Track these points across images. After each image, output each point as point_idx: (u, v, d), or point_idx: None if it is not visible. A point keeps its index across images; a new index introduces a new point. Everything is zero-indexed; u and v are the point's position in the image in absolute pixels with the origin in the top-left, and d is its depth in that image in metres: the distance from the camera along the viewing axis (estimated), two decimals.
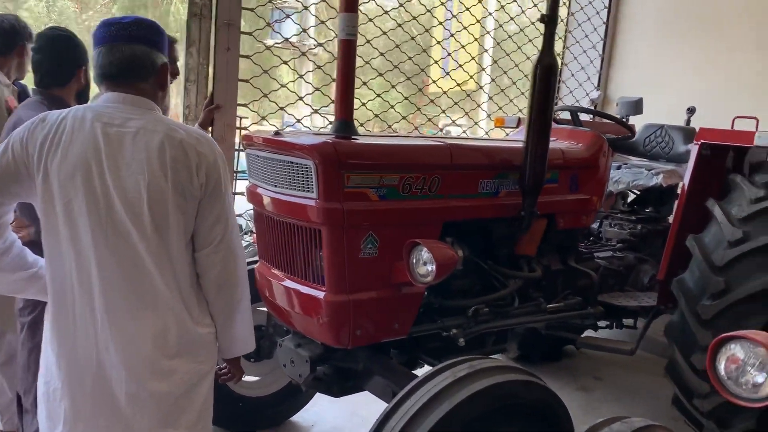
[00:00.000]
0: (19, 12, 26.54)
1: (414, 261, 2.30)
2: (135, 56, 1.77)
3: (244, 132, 2.82)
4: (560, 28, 5.28)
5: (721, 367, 1.49)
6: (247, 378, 3.15)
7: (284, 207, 2.41)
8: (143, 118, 1.75)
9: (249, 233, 6.17)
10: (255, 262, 2.84)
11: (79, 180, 1.69)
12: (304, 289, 2.41)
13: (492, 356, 2.69)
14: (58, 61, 2.47)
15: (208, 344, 1.91)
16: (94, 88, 2.71)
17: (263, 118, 3.76)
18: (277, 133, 2.41)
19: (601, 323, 3.53)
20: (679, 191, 3.57)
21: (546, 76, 2.54)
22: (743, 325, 2.69)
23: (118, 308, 1.73)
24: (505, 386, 2.04)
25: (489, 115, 4.92)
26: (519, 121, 3.93)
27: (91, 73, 2.20)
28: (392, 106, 4.44)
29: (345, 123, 2.37)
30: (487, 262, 2.81)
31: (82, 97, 2.60)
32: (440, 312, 2.69)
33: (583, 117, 3.67)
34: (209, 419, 1.99)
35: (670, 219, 3.86)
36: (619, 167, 3.77)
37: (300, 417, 3.39)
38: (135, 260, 1.73)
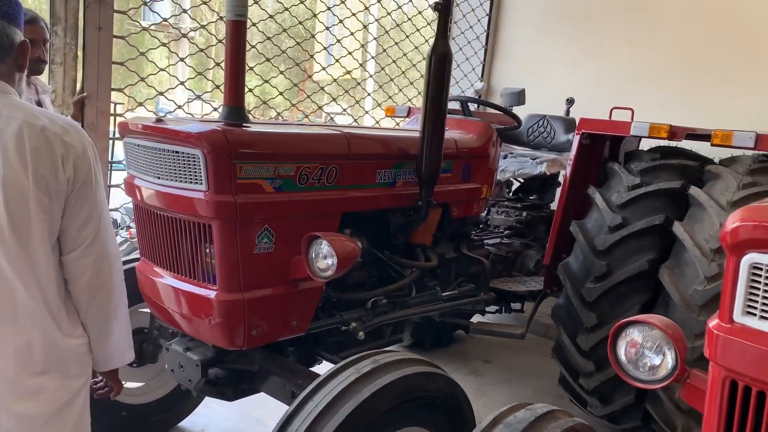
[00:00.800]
0: None
1: (313, 255, 2.20)
2: None
3: (119, 119, 2.57)
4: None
5: (621, 352, 1.53)
6: (129, 384, 2.91)
7: (169, 200, 2.22)
8: None
9: (125, 228, 5.76)
10: (134, 260, 2.62)
11: None
12: (193, 289, 2.24)
13: (390, 347, 2.65)
14: None
15: (79, 357, 1.69)
16: None
17: (140, 104, 3.48)
18: (159, 120, 2.22)
19: (490, 308, 3.62)
20: (561, 179, 3.73)
21: (440, 64, 2.53)
22: (624, 305, 2.85)
23: None
24: (410, 379, 2.01)
25: (380, 104, 4.88)
26: (410, 111, 3.93)
27: None
28: (281, 93, 4.28)
29: (236, 109, 2.22)
30: (384, 252, 2.77)
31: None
32: (338, 306, 2.63)
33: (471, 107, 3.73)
34: None
35: (553, 206, 4.04)
36: (505, 156, 3.87)
37: (189, 421, 3.19)
38: None
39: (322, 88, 5.31)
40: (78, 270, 1.63)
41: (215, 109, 6.24)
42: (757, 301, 1.31)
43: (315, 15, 5.08)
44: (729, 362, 1.35)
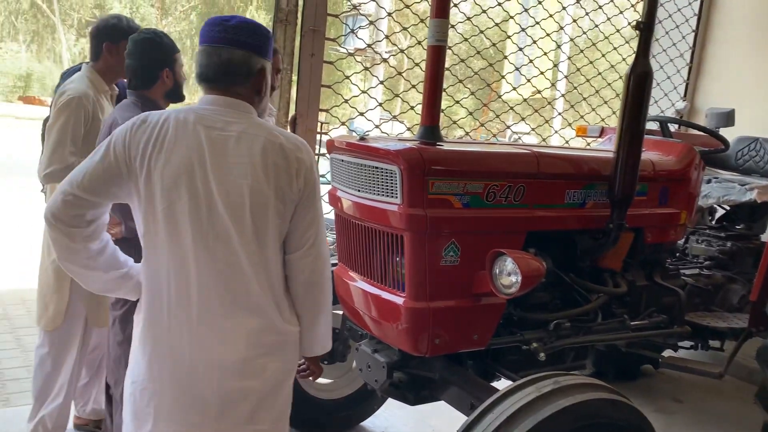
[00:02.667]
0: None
1: (497, 271, 2.25)
2: (232, 61, 1.77)
3: (326, 137, 2.84)
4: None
5: None
6: (320, 380, 3.17)
7: (366, 211, 2.41)
8: (243, 122, 1.78)
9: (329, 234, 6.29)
10: (332, 264, 2.86)
11: (182, 183, 1.71)
12: (384, 295, 2.40)
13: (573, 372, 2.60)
14: (142, 64, 2.52)
15: (294, 343, 1.93)
16: (187, 87, 2.80)
17: (343, 123, 3.79)
18: (362, 139, 2.42)
19: (684, 344, 3.37)
20: None
21: (640, 84, 2.46)
22: None
23: (214, 308, 1.76)
24: (592, 404, 1.97)
25: (570, 124, 4.80)
26: (603, 131, 3.81)
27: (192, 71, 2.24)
28: (470, 113, 4.40)
29: (431, 129, 2.36)
30: (570, 275, 2.73)
31: (172, 96, 2.65)
32: (520, 324, 2.63)
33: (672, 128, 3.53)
34: (288, 417, 2.00)
35: (764, 237, 3.67)
36: (708, 181, 3.61)
37: (371, 422, 3.38)
38: (233, 263, 1.75)
39: (511, 108, 5.34)
40: (299, 267, 1.87)
41: (408, 129, 6.52)
42: None
43: (509, 37, 5.14)
44: None
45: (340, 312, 2.88)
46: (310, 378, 2.23)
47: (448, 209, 2.27)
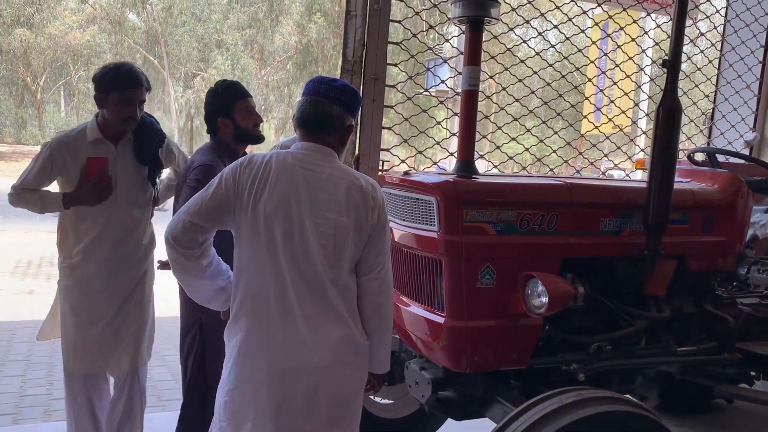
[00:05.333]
0: (209, 70, 30.12)
1: (529, 292, 2.44)
2: (331, 114, 2.15)
3: (379, 173, 3.15)
4: (711, 70, 5.13)
5: None
6: (381, 400, 3.41)
7: (410, 239, 2.67)
8: (331, 166, 2.14)
9: None
10: None
11: (281, 212, 2.08)
12: (428, 315, 2.64)
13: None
14: (206, 114, 3.00)
15: (365, 356, 2.20)
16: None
17: (435, 163, 4.04)
18: (406, 173, 2.70)
19: (761, 380, 3.33)
20: None
21: (669, 117, 2.60)
22: None
23: (308, 323, 2.08)
24: (614, 416, 2.10)
25: (630, 158, 4.88)
26: None
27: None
28: (554, 151, 4.60)
29: (466, 164, 2.61)
30: (613, 300, 2.85)
31: (242, 140, 3.02)
32: (561, 347, 2.77)
33: (734, 160, 3.58)
34: (359, 422, 2.27)
35: None
36: (766, 211, 3.60)
37: None
38: (319, 282, 2.08)
39: (594, 145, 5.46)
40: (368, 288, 2.17)
41: (495, 167, 6.71)
42: None
43: (590, 80, 5.32)
44: None
45: (398, 336, 3.13)
46: (372, 393, 2.48)
47: (482, 236, 2.50)
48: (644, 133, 5.29)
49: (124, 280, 3.06)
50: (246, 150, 3.10)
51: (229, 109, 2.95)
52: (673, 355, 2.90)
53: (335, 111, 2.15)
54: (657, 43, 5.21)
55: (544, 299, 2.38)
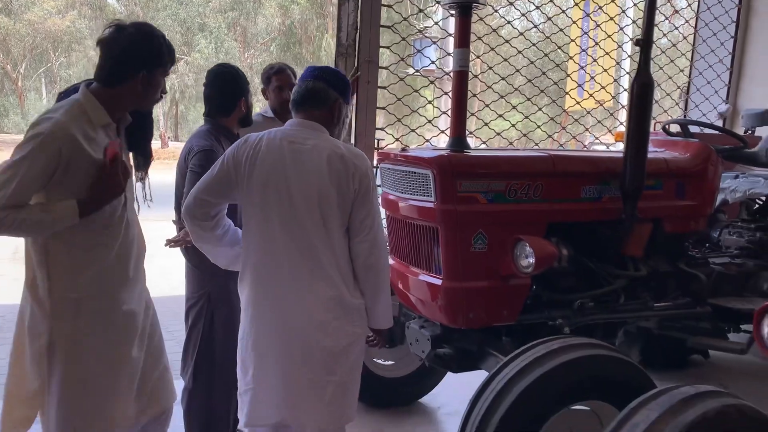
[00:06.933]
0: (192, 53, 29.89)
1: (517, 254, 2.70)
2: (315, 89, 2.38)
3: (378, 151, 3.38)
4: (686, 46, 5.39)
5: (765, 330, 1.75)
6: (383, 361, 3.68)
7: (409, 210, 2.91)
8: (316, 138, 2.35)
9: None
10: None
11: (271, 183, 2.31)
12: (426, 278, 2.89)
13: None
14: (224, 94, 2.90)
15: (360, 312, 2.42)
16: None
17: (427, 141, 4.26)
18: (403, 150, 2.94)
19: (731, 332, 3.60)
20: None
21: (642, 92, 2.85)
22: None
23: (300, 280, 2.32)
24: (596, 359, 2.34)
25: (609, 131, 5.14)
26: None
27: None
28: (539, 126, 4.84)
29: (458, 139, 2.85)
30: (593, 261, 3.11)
31: (244, 122, 3.04)
32: (548, 304, 3.02)
33: (708, 131, 3.84)
34: (359, 372, 2.49)
35: None
36: (736, 177, 3.87)
37: (429, 399, 3.84)
38: (309, 244, 2.31)
39: (576, 120, 5.71)
40: (357, 251, 2.38)
41: (484, 143, 6.98)
42: None
43: (571, 57, 5.53)
44: None
45: (398, 302, 3.37)
46: (377, 346, 2.69)
47: (475, 204, 2.74)
48: (623, 107, 5.55)
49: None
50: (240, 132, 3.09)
51: (246, 91, 2.98)
52: (650, 310, 3.18)
53: (318, 86, 2.36)
54: (634, 21, 5.44)
55: (532, 260, 2.63)
